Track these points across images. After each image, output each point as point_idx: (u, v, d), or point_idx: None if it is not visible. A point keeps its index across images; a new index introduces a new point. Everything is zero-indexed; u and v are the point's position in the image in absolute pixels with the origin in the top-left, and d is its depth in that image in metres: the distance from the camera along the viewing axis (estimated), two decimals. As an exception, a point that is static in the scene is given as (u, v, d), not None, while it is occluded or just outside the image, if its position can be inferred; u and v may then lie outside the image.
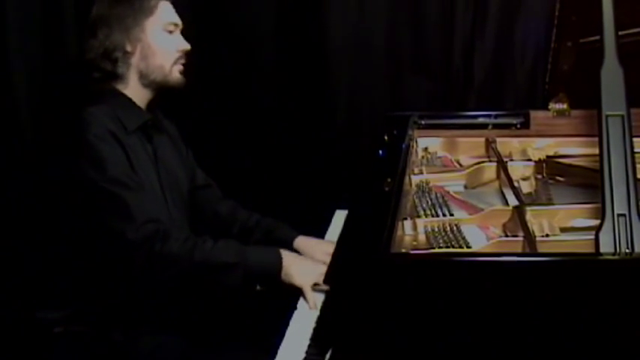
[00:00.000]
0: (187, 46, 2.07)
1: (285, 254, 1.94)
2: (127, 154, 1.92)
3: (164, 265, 1.85)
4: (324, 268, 1.91)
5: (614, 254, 1.53)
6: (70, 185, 1.92)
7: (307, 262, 1.95)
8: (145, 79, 2.03)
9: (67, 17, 2.63)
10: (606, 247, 1.53)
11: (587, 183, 2.04)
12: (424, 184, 2.17)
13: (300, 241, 2.16)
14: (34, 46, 2.60)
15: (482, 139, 2.46)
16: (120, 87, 2.03)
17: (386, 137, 2.38)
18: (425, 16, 2.95)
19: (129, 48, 2.00)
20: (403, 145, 2.25)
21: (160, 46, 2.02)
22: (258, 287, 1.93)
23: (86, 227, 1.91)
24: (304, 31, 2.95)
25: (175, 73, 2.05)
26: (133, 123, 1.98)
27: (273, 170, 3.07)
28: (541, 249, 1.68)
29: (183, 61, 2.07)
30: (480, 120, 2.52)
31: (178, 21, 2.07)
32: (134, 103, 2.03)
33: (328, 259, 2.03)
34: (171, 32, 2.05)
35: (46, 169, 2.48)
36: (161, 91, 2.07)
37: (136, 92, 2.03)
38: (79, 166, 1.87)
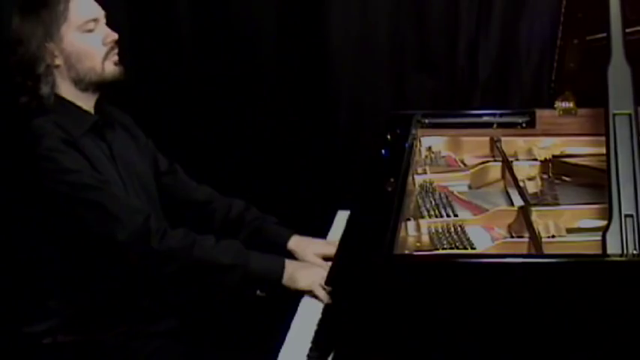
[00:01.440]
0: (114, 36, 1.97)
1: (289, 263, 1.94)
2: (85, 155, 1.89)
3: (162, 261, 1.85)
4: (325, 272, 1.90)
5: (621, 255, 1.53)
6: (39, 203, 1.89)
7: (311, 267, 1.95)
8: (80, 84, 1.96)
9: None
10: (613, 248, 1.53)
11: (594, 183, 2.04)
12: (428, 184, 2.17)
13: (294, 242, 2.13)
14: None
15: (487, 139, 2.45)
16: (61, 93, 1.96)
17: (389, 136, 2.37)
18: (428, 12, 2.95)
19: (50, 61, 1.91)
20: (406, 145, 2.25)
21: (82, 49, 1.93)
22: (258, 292, 1.93)
23: (70, 237, 1.90)
24: (306, 28, 2.95)
25: (109, 68, 1.96)
26: (79, 128, 1.93)
27: (274, 170, 3.07)
28: (547, 250, 1.68)
29: (115, 51, 1.97)
30: (485, 119, 2.52)
31: (97, 13, 1.96)
32: (79, 107, 1.96)
33: (318, 261, 2.04)
34: (91, 30, 1.94)
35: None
36: (102, 87, 1.99)
37: (77, 96, 1.97)
38: (43, 184, 1.85)
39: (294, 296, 1.89)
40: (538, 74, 2.92)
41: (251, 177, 3.04)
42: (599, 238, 1.56)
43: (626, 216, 1.56)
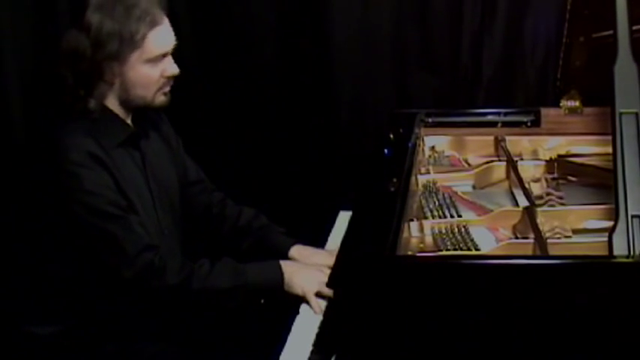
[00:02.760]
0: (175, 71, 1.94)
1: (285, 265, 1.93)
2: (112, 173, 1.87)
3: (162, 299, 1.88)
4: (324, 277, 1.91)
5: (627, 257, 1.53)
6: (55, 213, 1.89)
7: (308, 270, 1.94)
8: (126, 104, 1.94)
9: (60, 13, 2.63)
10: (620, 249, 1.53)
11: (600, 183, 2.04)
12: (431, 185, 2.17)
13: (296, 251, 2.10)
14: (26, 44, 2.60)
15: (492, 138, 2.46)
16: (104, 102, 1.93)
17: (391, 136, 2.38)
18: (432, 9, 2.95)
19: (108, 79, 1.89)
20: (409, 144, 2.25)
21: (142, 78, 1.90)
22: (262, 301, 1.94)
23: (76, 253, 1.90)
24: (307, 26, 2.95)
25: (159, 98, 1.94)
26: (115, 139, 1.92)
27: (275, 170, 3.07)
28: (552, 251, 1.68)
29: (168, 86, 1.96)
30: (489, 118, 2.52)
31: (169, 46, 1.93)
32: (116, 115, 1.95)
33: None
34: (158, 62, 1.91)
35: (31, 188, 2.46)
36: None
37: (119, 110, 1.95)
38: (62, 198, 1.85)
39: (295, 300, 1.89)
40: (543, 72, 2.92)
41: (252, 176, 3.04)
42: (606, 239, 1.57)
43: (633, 216, 1.57)
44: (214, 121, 3.04)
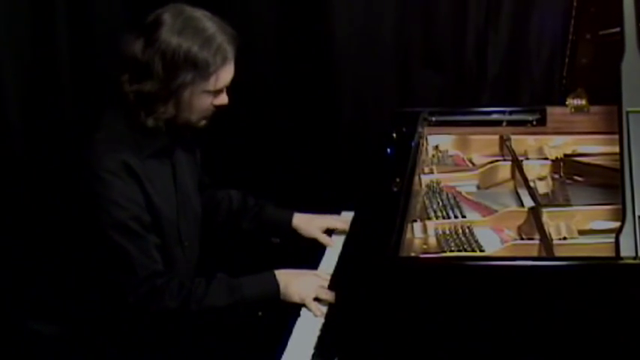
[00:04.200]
0: (224, 102, 1.96)
1: (279, 274, 1.94)
2: (143, 184, 1.89)
3: (161, 322, 1.89)
4: (321, 281, 1.91)
5: (635, 258, 1.53)
6: (77, 218, 1.91)
7: (303, 277, 1.95)
8: (169, 121, 1.93)
9: (57, 12, 2.64)
10: (627, 250, 1.53)
11: (607, 183, 2.04)
12: (435, 185, 2.17)
13: (296, 218, 2.23)
14: (22, 42, 2.61)
15: (496, 137, 2.46)
16: None
17: (394, 135, 2.38)
18: (435, 6, 2.95)
19: (166, 100, 1.88)
20: (413, 143, 2.26)
21: (197, 107, 1.92)
22: (260, 313, 1.98)
23: (89, 262, 1.92)
24: (308, 23, 2.95)
25: (201, 122, 1.98)
26: (150, 147, 1.93)
27: (276, 170, 3.07)
28: (558, 253, 1.68)
29: (212, 112, 1.98)
30: (494, 116, 2.52)
31: (228, 82, 1.96)
32: (156, 126, 1.93)
33: (322, 236, 2.16)
34: (215, 94, 1.94)
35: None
36: None
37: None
38: (88, 203, 1.86)
39: (294, 307, 1.90)
40: (549, 70, 2.93)
41: (253, 176, 3.04)
42: (612, 240, 1.57)
43: (641, 217, 1.57)
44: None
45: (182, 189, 2.04)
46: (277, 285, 1.90)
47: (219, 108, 1.97)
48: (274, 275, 1.92)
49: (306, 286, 1.89)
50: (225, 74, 1.92)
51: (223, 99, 1.96)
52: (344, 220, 2.20)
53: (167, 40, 1.83)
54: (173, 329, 1.97)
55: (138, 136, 1.91)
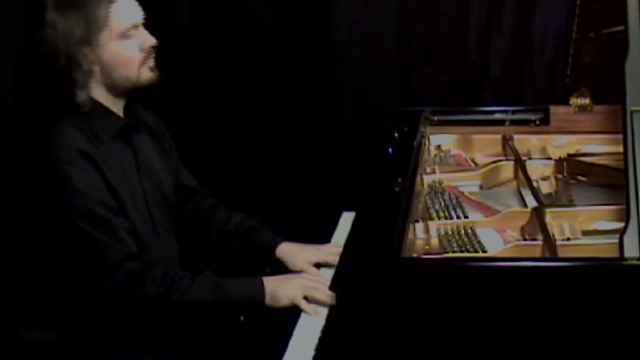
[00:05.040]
0: (152, 42, 1.95)
1: (267, 280, 1.93)
2: (103, 171, 1.89)
3: (142, 309, 1.88)
4: (306, 282, 1.91)
5: (639, 259, 1.52)
6: (45, 215, 1.91)
7: (289, 280, 1.94)
8: (113, 90, 1.96)
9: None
10: (631, 251, 1.53)
11: (611, 183, 2.04)
12: (437, 185, 2.17)
13: (283, 248, 2.13)
14: (20, 39, 2.61)
15: (499, 137, 2.46)
16: (92, 95, 1.95)
17: (396, 134, 2.38)
18: (437, 4, 2.95)
19: (86, 67, 1.90)
20: (414, 143, 2.26)
21: (120, 57, 1.91)
22: (242, 318, 1.95)
23: (60, 253, 1.92)
24: (309, 21, 2.96)
25: (145, 74, 1.96)
26: (107, 132, 1.94)
27: (276, 170, 3.07)
28: (561, 254, 1.68)
29: (152, 57, 1.96)
30: (497, 116, 2.52)
31: (137, 18, 1.94)
32: (109, 110, 1.97)
33: (309, 268, 2.04)
34: (130, 36, 1.93)
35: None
36: (135, 91, 2.00)
37: (107, 99, 1.97)
38: (51, 197, 1.86)
39: (284, 313, 1.89)
40: (552, 69, 2.93)
41: (254, 176, 3.05)
42: (616, 240, 1.56)
43: (645, 218, 1.56)
44: (216, 120, 3.04)
45: (149, 176, 2.03)
46: (263, 290, 1.89)
47: (150, 51, 1.96)
48: (262, 281, 1.91)
49: (293, 287, 1.89)
50: (122, 12, 1.91)
51: (147, 39, 1.95)
52: (334, 253, 2.07)
53: (52, 16, 1.88)
54: (171, 330, 1.97)
55: (92, 122, 1.92)
